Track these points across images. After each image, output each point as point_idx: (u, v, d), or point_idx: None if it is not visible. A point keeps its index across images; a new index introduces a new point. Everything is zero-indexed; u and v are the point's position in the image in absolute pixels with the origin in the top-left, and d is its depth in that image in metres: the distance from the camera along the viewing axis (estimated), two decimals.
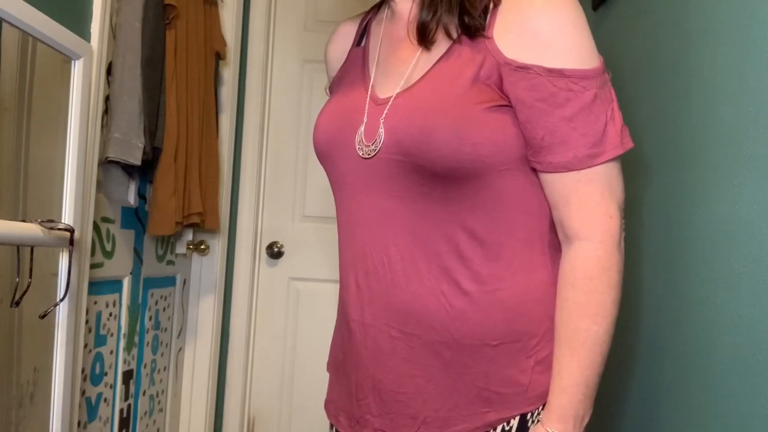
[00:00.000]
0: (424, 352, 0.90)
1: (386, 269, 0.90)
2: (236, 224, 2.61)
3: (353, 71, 1.02)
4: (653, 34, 1.19)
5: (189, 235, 2.42)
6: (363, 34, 1.05)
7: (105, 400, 1.90)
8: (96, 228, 1.78)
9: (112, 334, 1.92)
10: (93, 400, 1.83)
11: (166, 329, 2.32)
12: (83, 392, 1.75)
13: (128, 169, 1.96)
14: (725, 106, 0.90)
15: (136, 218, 2.04)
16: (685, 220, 1.01)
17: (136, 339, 2.08)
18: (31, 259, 1.29)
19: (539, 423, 0.87)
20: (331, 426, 1.05)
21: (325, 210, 2.57)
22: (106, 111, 1.75)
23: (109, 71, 1.75)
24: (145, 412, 2.19)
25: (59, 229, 1.32)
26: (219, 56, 2.37)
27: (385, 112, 0.90)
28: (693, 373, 0.96)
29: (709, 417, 0.90)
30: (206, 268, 2.52)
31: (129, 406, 2.06)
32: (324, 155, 0.98)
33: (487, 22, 0.86)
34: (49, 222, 1.31)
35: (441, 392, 0.90)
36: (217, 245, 2.51)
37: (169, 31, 1.98)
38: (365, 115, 0.92)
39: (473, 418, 0.89)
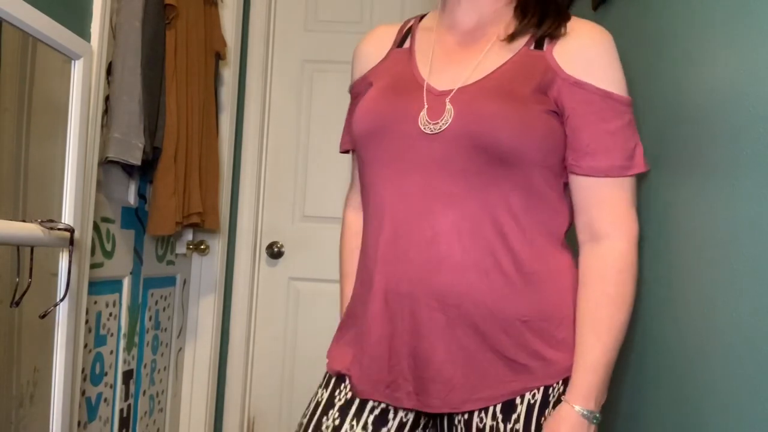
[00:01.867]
0: (460, 323, 0.99)
1: (430, 242, 0.99)
2: (236, 224, 2.61)
3: (399, 67, 1.11)
4: (653, 34, 1.19)
5: (189, 235, 2.42)
6: (404, 38, 1.16)
7: (105, 400, 1.90)
8: (96, 228, 1.78)
9: (112, 334, 1.92)
10: (93, 400, 1.83)
11: (166, 329, 2.32)
12: (83, 392, 1.75)
13: (128, 169, 1.96)
14: (725, 106, 0.90)
15: (136, 218, 2.04)
16: (685, 220, 1.01)
17: (136, 339, 2.08)
18: (31, 259, 1.29)
19: (564, 402, 0.96)
20: (332, 387, 1.09)
21: (325, 210, 2.57)
22: (106, 111, 1.75)
23: (109, 71, 1.75)
24: (145, 412, 2.19)
25: (59, 229, 1.32)
26: (219, 56, 2.37)
27: (451, 95, 1.01)
28: (693, 374, 0.96)
29: (709, 417, 0.90)
30: (206, 268, 2.52)
31: (129, 406, 2.06)
32: (374, 131, 1.05)
33: (547, 39, 1.04)
34: (49, 222, 1.31)
35: (472, 360, 0.99)
36: (217, 245, 2.51)
37: (169, 31, 1.98)
38: (425, 101, 1.02)
39: (500, 386, 0.99)
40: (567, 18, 1.05)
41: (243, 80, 2.62)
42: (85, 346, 1.74)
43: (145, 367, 2.15)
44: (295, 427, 2.59)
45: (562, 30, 1.03)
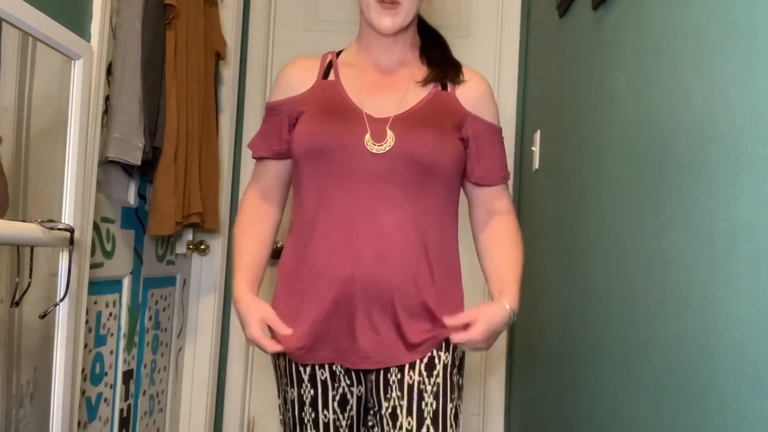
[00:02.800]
0: (405, 286, 1.31)
1: (376, 235, 1.29)
2: None
3: (334, 96, 1.37)
4: (653, 34, 1.19)
5: (189, 235, 2.42)
6: (326, 71, 1.41)
7: (105, 400, 1.90)
8: (96, 228, 1.78)
9: (112, 334, 1.92)
10: (93, 400, 1.83)
11: (166, 329, 2.32)
12: (83, 392, 1.75)
13: (128, 169, 1.96)
14: (725, 106, 0.90)
15: (136, 218, 2.04)
16: (685, 220, 1.01)
17: (136, 339, 2.08)
18: (31, 259, 1.29)
19: (498, 301, 1.33)
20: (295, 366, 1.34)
21: None
22: (106, 111, 1.75)
23: (109, 71, 1.75)
24: (145, 412, 2.19)
25: (59, 229, 1.32)
26: (219, 56, 2.37)
27: (389, 123, 1.31)
28: (693, 374, 0.96)
29: (710, 418, 0.90)
30: (206, 268, 2.52)
31: (129, 406, 2.06)
32: (323, 149, 1.31)
33: (450, 82, 1.41)
34: (49, 222, 1.31)
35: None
36: (217, 245, 2.51)
37: (169, 31, 1.98)
38: (367, 126, 1.31)
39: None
40: (460, 67, 1.43)
41: (243, 80, 2.62)
42: (85, 346, 1.74)
43: (145, 367, 2.15)
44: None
45: (461, 78, 1.41)
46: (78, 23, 1.57)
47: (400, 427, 1.26)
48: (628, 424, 1.20)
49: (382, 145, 1.29)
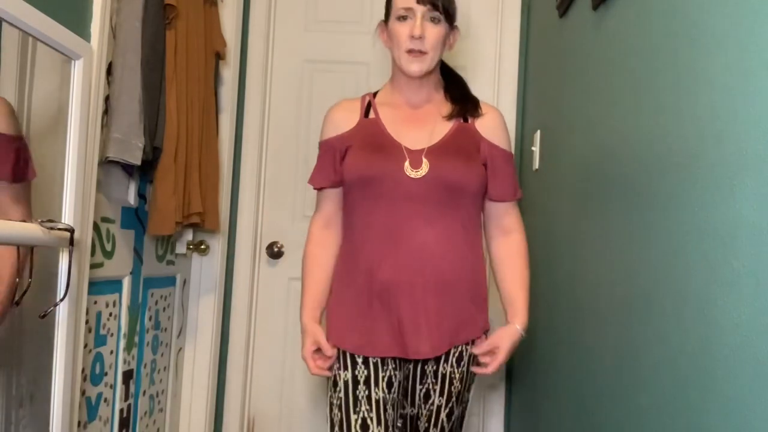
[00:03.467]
0: (442, 288, 1.58)
1: (416, 246, 1.56)
2: (236, 224, 2.61)
3: (376, 132, 1.64)
4: (653, 33, 1.19)
5: (189, 235, 2.42)
6: (367, 110, 1.68)
7: (105, 400, 1.90)
8: (96, 228, 1.78)
9: (112, 334, 1.92)
10: (93, 400, 1.83)
11: (166, 329, 2.32)
12: (83, 392, 1.75)
13: (128, 169, 1.96)
14: (725, 106, 0.90)
15: (136, 218, 2.04)
16: (684, 220, 1.01)
17: (136, 339, 2.08)
18: (31, 259, 1.29)
19: (511, 324, 1.60)
20: (350, 359, 1.57)
21: None
22: (106, 111, 1.75)
23: (109, 71, 1.75)
24: (145, 412, 2.19)
25: (59, 229, 1.32)
26: (219, 56, 2.37)
27: (424, 153, 1.58)
28: (693, 374, 0.96)
29: (710, 418, 0.90)
30: (206, 268, 2.52)
31: (129, 406, 2.06)
32: (369, 179, 1.58)
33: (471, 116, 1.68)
34: (49, 222, 1.31)
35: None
36: (217, 245, 2.51)
37: (169, 31, 1.98)
38: (406, 156, 1.58)
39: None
40: (478, 102, 1.69)
41: (243, 80, 2.62)
42: (85, 346, 1.74)
43: (145, 367, 2.15)
44: (294, 427, 2.60)
45: (480, 112, 1.67)
46: (78, 23, 1.57)
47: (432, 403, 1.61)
48: (627, 424, 1.20)
49: (418, 171, 1.57)
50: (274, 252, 2.61)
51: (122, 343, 1.97)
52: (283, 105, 2.66)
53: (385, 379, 1.56)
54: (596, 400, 1.39)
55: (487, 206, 1.68)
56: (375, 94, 1.71)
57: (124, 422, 2.04)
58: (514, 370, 2.49)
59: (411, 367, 1.60)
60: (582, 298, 1.55)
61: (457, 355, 1.59)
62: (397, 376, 1.59)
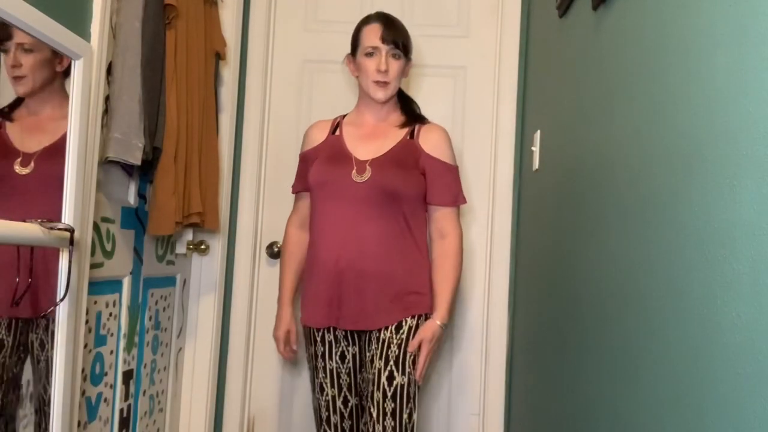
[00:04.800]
0: (371, 284, 1.92)
1: (361, 243, 1.90)
2: (236, 224, 2.61)
3: (336, 146, 2.02)
4: (652, 33, 1.19)
5: (189, 235, 2.42)
6: (335, 128, 2.07)
7: (105, 400, 1.90)
8: (96, 228, 1.78)
9: (112, 334, 1.92)
10: (93, 400, 1.83)
11: (166, 329, 2.32)
12: (83, 392, 1.75)
13: (128, 169, 1.96)
14: (725, 106, 0.90)
15: (136, 218, 2.04)
16: (684, 220, 1.01)
17: (136, 339, 2.08)
18: (31, 259, 1.29)
19: (431, 319, 1.93)
20: (314, 333, 2.00)
21: None
22: (106, 111, 1.75)
23: (109, 71, 1.75)
24: (145, 412, 2.19)
25: (59, 229, 1.32)
26: (219, 56, 2.36)
27: (369, 161, 1.95)
28: (692, 374, 0.96)
29: (709, 418, 0.90)
30: (206, 268, 2.52)
31: (129, 406, 2.06)
32: (324, 183, 1.96)
33: (416, 133, 2.03)
34: (49, 222, 1.31)
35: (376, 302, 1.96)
36: (217, 245, 2.51)
37: (169, 31, 1.98)
38: (353, 164, 1.95)
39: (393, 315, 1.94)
40: (424, 121, 2.07)
41: (243, 80, 2.62)
42: (85, 346, 1.74)
43: (145, 367, 2.15)
44: (294, 426, 2.60)
45: (422, 129, 2.02)
46: (78, 23, 1.57)
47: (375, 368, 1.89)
48: (627, 424, 1.20)
49: (362, 176, 1.92)
50: (274, 252, 2.61)
51: (122, 343, 1.97)
52: (283, 105, 2.66)
53: (338, 353, 1.97)
54: (596, 400, 1.39)
55: (429, 211, 2.01)
56: (345, 116, 2.10)
57: (124, 422, 2.04)
58: (514, 369, 2.49)
59: (362, 343, 1.96)
60: (582, 298, 1.55)
61: (396, 324, 1.90)
62: (350, 350, 1.97)
